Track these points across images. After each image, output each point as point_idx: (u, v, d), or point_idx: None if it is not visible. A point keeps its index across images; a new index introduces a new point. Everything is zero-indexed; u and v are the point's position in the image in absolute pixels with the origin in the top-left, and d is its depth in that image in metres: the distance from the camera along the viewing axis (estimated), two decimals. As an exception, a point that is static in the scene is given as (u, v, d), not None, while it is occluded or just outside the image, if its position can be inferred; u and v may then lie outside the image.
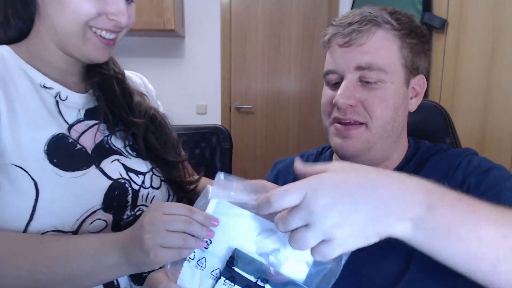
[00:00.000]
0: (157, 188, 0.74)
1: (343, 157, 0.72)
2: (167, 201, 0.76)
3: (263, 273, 0.47)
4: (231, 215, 0.49)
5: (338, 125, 0.70)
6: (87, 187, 0.64)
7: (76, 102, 0.70)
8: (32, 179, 0.60)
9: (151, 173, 0.73)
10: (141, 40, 2.96)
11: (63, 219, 0.61)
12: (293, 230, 0.42)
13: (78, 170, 0.64)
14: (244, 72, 3.07)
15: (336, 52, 0.69)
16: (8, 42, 0.69)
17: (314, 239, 0.41)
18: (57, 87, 0.68)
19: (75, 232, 0.63)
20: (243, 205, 0.49)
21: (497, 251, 0.41)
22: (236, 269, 0.48)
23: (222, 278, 0.48)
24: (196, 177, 0.84)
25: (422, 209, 0.41)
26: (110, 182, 0.67)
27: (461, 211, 0.42)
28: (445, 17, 1.95)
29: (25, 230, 0.60)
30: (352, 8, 2.65)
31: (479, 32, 1.72)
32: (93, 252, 0.56)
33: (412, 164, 0.72)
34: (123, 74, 0.79)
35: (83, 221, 0.63)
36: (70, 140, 0.66)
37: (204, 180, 0.87)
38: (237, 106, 3.08)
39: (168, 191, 0.77)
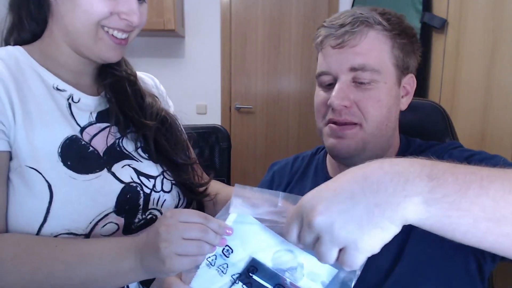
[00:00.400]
0: (168, 192, 0.74)
1: (337, 158, 0.74)
2: (178, 204, 0.76)
3: (280, 283, 0.48)
4: (250, 227, 0.50)
5: (333, 125, 0.70)
6: (100, 190, 0.64)
7: (88, 104, 0.71)
8: (46, 181, 0.60)
9: (162, 176, 0.74)
10: (141, 40, 2.97)
11: (76, 222, 0.61)
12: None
13: (91, 173, 0.64)
14: (244, 72, 3.07)
15: (329, 54, 0.70)
16: (21, 43, 0.70)
17: (330, 250, 0.40)
18: (70, 90, 0.69)
19: (87, 235, 0.63)
20: (262, 221, 0.50)
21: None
22: (254, 276, 0.49)
23: (240, 283, 0.50)
24: (206, 179, 0.84)
25: (424, 181, 0.40)
26: (122, 185, 0.67)
27: (462, 175, 0.40)
28: (445, 17, 1.95)
29: (38, 232, 0.60)
30: (352, 7, 2.65)
31: (479, 32, 1.72)
32: (110, 257, 0.56)
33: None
34: (135, 75, 0.80)
35: (96, 224, 0.63)
36: (83, 143, 0.66)
37: (214, 183, 0.87)
38: (237, 106, 3.08)
39: (179, 195, 0.76)
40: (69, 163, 0.63)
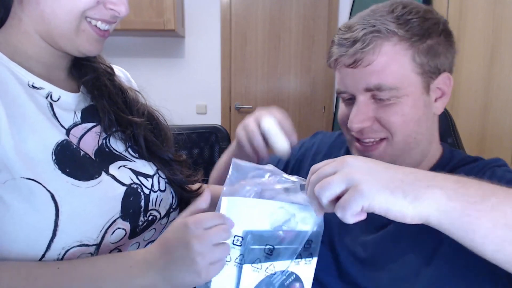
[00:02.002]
0: (163, 191, 0.71)
1: None
2: (172, 203, 0.74)
3: (270, 240, 0.52)
4: (243, 207, 0.52)
5: (358, 145, 0.68)
6: (104, 196, 0.60)
7: (69, 102, 0.64)
8: (48, 191, 0.53)
9: (157, 175, 0.71)
10: (141, 40, 2.96)
11: (87, 232, 0.57)
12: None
13: (92, 179, 0.59)
14: (244, 72, 3.07)
15: (343, 73, 0.67)
16: None
17: (337, 183, 0.45)
18: (47, 87, 0.61)
19: (98, 245, 0.59)
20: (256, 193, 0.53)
21: None
22: (251, 246, 0.52)
23: (248, 264, 0.52)
24: (197, 177, 0.81)
25: (449, 181, 0.45)
26: (124, 188, 0.63)
27: (487, 185, 0.45)
28: (445, 17, 1.95)
29: (47, 249, 0.54)
30: (352, 7, 2.65)
31: (479, 32, 1.72)
32: (122, 277, 0.53)
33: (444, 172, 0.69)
34: (111, 68, 0.75)
35: (105, 232, 0.59)
36: (74, 147, 0.60)
37: (218, 188, 0.85)
38: (237, 106, 3.08)
39: (172, 193, 0.74)
40: (67, 170, 0.57)
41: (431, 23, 0.64)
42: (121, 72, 0.82)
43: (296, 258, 0.54)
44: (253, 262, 0.52)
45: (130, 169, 0.66)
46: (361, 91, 0.65)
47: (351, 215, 0.45)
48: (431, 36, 0.63)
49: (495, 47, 1.64)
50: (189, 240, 0.49)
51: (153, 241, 0.64)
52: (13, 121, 0.54)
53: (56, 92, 0.63)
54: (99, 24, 0.61)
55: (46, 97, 0.61)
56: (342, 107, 0.72)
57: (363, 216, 0.46)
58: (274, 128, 0.69)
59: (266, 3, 2.97)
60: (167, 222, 0.69)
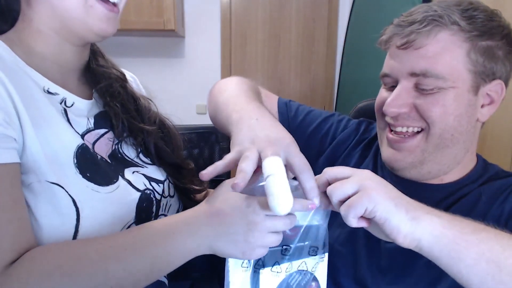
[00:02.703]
0: (172, 197, 0.72)
1: (391, 169, 0.68)
2: (179, 209, 0.74)
3: (284, 240, 0.52)
4: None
5: (391, 136, 0.65)
6: (121, 202, 0.60)
7: (82, 109, 0.65)
8: (70, 196, 0.54)
9: (167, 181, 0.72)
10: (141, 40, 2.96)
11: None
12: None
13: (110, 183, 0.60)
14: (244, 72, 3.07)
15: (393, 54, 0.64)
16: None
17: (350, 184, 0.48)
18: (62, 93, 0.62)
19: None
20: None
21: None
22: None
23: (265, 268, 0.52)
24: (203, 186, 0.81)
25: (448, 215, 0.48)
26: (139, 194, 0.64)
27: (479, 224, 0.49)
28: (445, 17, 1.94)
29: None
30: (352, 7, 2.65)
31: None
32: (167, 243, 0.52)
33: (473, 187, 0.66)
34: (124, 75, 0.75)
35: None
36: (92, 151, 0.61)
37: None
38: (237, 106, 3.08)
39: (179, 199, 0.75)
40: (88, 174, 0.57)
41: (496, 24, 0.61)
42: (130, 77, 0.82)
43: (311, 255, 0.55)
44: (273, 265, 0.52)
45: (143, 174, 0.67)
46: (405, 75, 0.62)
47: (354, 216, 0.47)
48: (492, 37, 0.60)
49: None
50: (250, 222, 0.49)
51: None
52: (36, 124, 0.54)
53: (70, 98, 0.63)
54: None
55: (61, 103, 0.62)
56: (381, 92, 0.68)
57: (364, 224, 0.48)
58: (279, 175, 0.46)
59: (266, 3, 2.97)
60: None
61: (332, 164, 0.79)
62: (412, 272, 0.64)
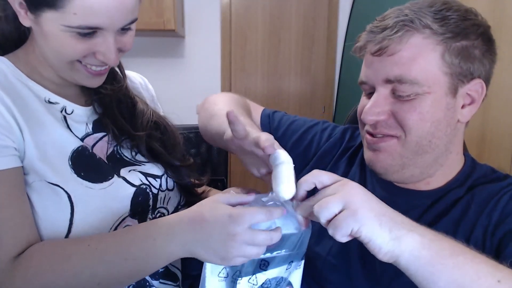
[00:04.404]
0: (171, 190, 0.75)
1: (375, 172, 0.68)
2: (180, 201, 0.77)
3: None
4: None
5: (369, 137, 0.65)
6: (116, 196, 0.65)
7: (81, 115, 0.69)
8: (66, 192, 0.60)
9: (165, 175, 0.75)
10: (141, 40, 2.96)
11: (98, 229, 0.62)
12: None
13: (105, 180, 0.65)
14: (244, 72, 3.07)
15: (368, 61, 0.64)
16: (6, 38, 0.66)
17: (335, 203, 0.48)
18: (62, 102, 0.67)
19: None
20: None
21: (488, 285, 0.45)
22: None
23: (241, 278, 0.53)
24: (203, 180, 0.84)
25: (428, 231, 0.49)
26: (134, 189, 0.68)
27: (461, 247, 0.49)
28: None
29: None
30: (352, 7, 2.65)
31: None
32: (147, 248, 0.55)
33: (461, 191, 0.65)
34: (123, 85, 0.76)
35: (115, 229, 0.64)
36: (89, 151, 0.66)
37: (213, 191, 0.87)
38: (237, 106, 3.08)
39: (180, 192, 0.78)
40: (82, 174, 0.63)
41: (470, 23, 0.60)
42: (139, 78, 0.86)
43: (289, 263, 0.55)
44: (251, 276, 0.53)
45: (139, 171, 0.71)
46: (381, 82, 0.61)
47: (341, 235, 0.48)
48: (467, 36, 0.59)
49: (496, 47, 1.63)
50: (230, 233, 0.49)
51: None
52: (34, 132, 0.60)
53: (70, 106, 0.68)
54: (93, 67, 0.63)
55: (61, 111, 0.67)
56: (362, 99, 0.68)
57: (348, 239, 0.49)
58: (290, 164, 0.52)
59: (266, 3, 2.97)
60: None
61: None
62: (409, 280, 0.64)
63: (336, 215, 0.48)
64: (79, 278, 0.55)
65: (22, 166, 0.59)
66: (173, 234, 0.53)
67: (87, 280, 0.55)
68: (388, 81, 0.60)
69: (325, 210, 0.49)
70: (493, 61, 0.64)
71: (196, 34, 3.00)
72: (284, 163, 0.51)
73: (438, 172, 0.66)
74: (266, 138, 0.53)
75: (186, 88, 3.03)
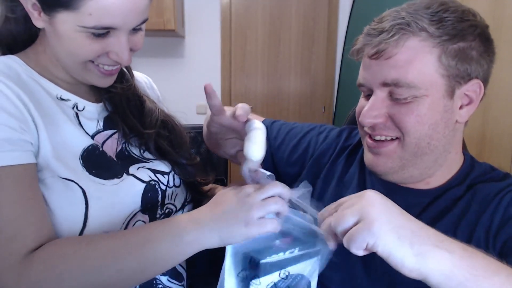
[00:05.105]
0: (178, 187, 0.77)
1: (375, 174, 0.69)
2: (186, 198, 0.79)
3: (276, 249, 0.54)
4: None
5: (370, 141, 0.66)
6: (127, 192, 0.66)
7: (92, 112, 0.71)
8: (80, 187, 0.61)
9: (173, 172, 0.76)
10: (141, 40, 2.96)
11: (112, 224, 0.63)
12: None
13: (115, 178, 0.66)
14: (244, 72, 3.07)
15: (365, 64, 0.64)
16: (15, 39, 0.67)
17: (351, 216, 0.47)
18: (73, 98, 0.68)
19: None
20: None
21: None
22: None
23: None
24: (209, 179, 0.86)
25: (459, 248, 0.45)
26: (144, 185, 0.69)
27: (492, 261, 0.46)
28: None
29: None
30: (352, 7, 2.65)
31: (479, 32, 1.72)
32: (172, 236, 0.56)
33: (460, 190, 0.65)
34: (131, 84, 0.78)
35: (127, 224, 0.66)
36: (100, 150, 0.67)
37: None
38: (237, 106, 3.08)
39: (186, 189, 0.80)
40: (94, 171, 0.64)
41: (468, 25, 0.60)
42: (145, 79, 0.88)
43: (303, 260, 0.56)
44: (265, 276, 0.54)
45: (148, 168, 0.72)
46: (378, 85, 0.62)
47: (356, 249, 0.46)
48: (464, 38, 0.59)
49: (495, 47, 1.63)
50: (244, 196, 0.54)
51: None
52: (48, 130, 0.61)
53: (81, 103, 0.69)
54: (105, 67, 0.65)
55: (73, 108, 0.68)
56: (360, 101, 0.69)
57: (368, 251, 0.47)
58: (263, 131, 0.57)
59: (266, 3, 2.97)
60: None
61: (316, 175, 0.80)
62: (412, 280, 0.64)
63: (352, 228, 0.47)
64: (88, 277, 0.54)
65: (36, 163, 0.59)
66: (194, 220, 0.56)
67: (97, 279, 0.54)
68: (385, 84, 0.61)
69: (340, 223, 0.48)
70: (491, 61, 0.64)
71: (196, 34, 3.00)
72: (257, 129, 0.55)
73: (438, 172, 0.66)
74: (241, 107, 0.57)
75: (186, 88, 3.03)
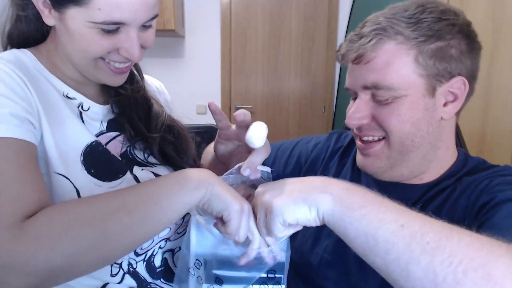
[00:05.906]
0: None
1: (367, 174, 0.72)
2: None
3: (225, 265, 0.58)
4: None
5: (359, 143, 0.69)
6: None
7: (97, 113, 0.70)
8: (75, 187, 0.60)
9: None
10: (141, 40, 2.97)
11: None
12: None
13: (115, 179, 0.65)
14: (244, 72, 3.07)
15: (349, 69, 0.67)
16: (27, 38, 0.67)
17: (260, 211, 0.51)
18: (79, 98, 0.68)
19: None
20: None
21: (392, 237, 0.43)
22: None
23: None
24: None
25: (341, 189, 0.49)
26: None
27: (370, 197, 0.49)
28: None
29: None
30: (352, 7, 2.65)
31: (479, 32, 1.72)
32: (173, 193, 0.54)
33: (448, 182, 0.67)
34: (141, 86, 0.78)
35: None
36: (102, 147, 0.66)
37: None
38: (237, 106, 3.08)
39: None
40: (92, 171, 0.63)
41: (445, 24, 0.61)
42: (156, 83, 0.88)
43: (261, 284, 0.58)
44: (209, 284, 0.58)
45: (151, 172, 0.71)
46: (360, 88, 0.65)
47: (278, 233, 0.50)
48: (441, 37, 0.61)
49: (495, 47, 1.64)
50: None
51: (167, 238, 0.69)
52: (52, 123, 0.61)
53: (87, 103, 0.69)
54: (116, 64, 0.64)
55: (78, 107, 0.68)
56: (350, 104, 0.71)
57: (292, 230, 0.51)
58: (264, 127, 0.59)
59: (266, 3, 2.97)
60: (182, 220, 0.72)
61: None
62: (351, 255, 0.66)
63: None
64: (92, 237, 0.50)
65: (36, 148, 0.58)
66: (198, 181, 0.54)
67: (101, 239, 0.51)
68: (366, 87, 0.64)
69: (262, 223, 0.52)
70: (475, 57, 0.65)
71: (196, 34, 3.01)
72: (258, 122, 0.58)
73: (430, 168, 0.68)
74: (240, 112, 0.60)
75: (186, 88, 3.04)
